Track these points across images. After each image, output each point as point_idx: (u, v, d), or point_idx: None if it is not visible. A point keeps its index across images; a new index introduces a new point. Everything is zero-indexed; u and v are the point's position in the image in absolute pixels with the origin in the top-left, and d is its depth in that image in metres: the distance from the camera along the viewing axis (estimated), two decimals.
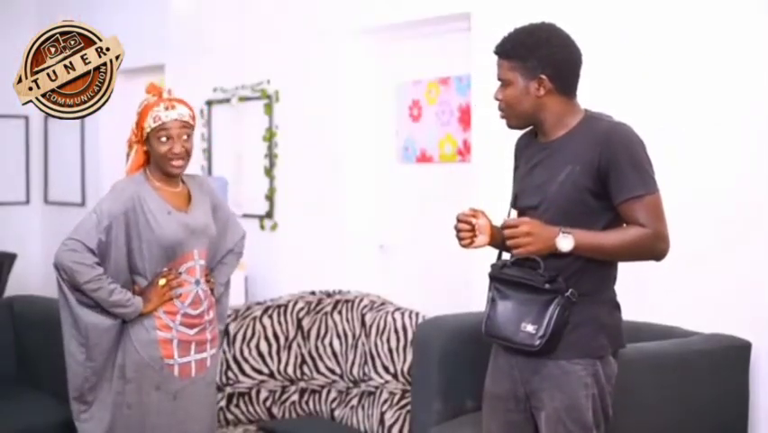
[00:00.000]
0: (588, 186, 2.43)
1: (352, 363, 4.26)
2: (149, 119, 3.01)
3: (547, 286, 2.43)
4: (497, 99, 2.58)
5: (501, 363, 2.60)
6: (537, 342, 2.42)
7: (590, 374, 2.45)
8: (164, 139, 2.99)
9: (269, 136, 5.24)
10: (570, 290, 2.42)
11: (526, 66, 2.49)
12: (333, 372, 4.34)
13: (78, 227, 2.99)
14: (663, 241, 2.46)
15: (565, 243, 2.40)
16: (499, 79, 2.55)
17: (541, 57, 2.48)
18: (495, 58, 2.58)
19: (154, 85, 3.09)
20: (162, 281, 3.01)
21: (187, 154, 3.04)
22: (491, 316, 2.55)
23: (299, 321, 4.39)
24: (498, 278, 2.55)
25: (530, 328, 2.43)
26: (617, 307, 2.56)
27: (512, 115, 2.55)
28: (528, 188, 2.56)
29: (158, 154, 3.01)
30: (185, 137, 3.03)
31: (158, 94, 3.05)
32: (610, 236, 2.44)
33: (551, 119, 2.52)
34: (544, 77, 2.48)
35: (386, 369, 4.09)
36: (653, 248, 2.46)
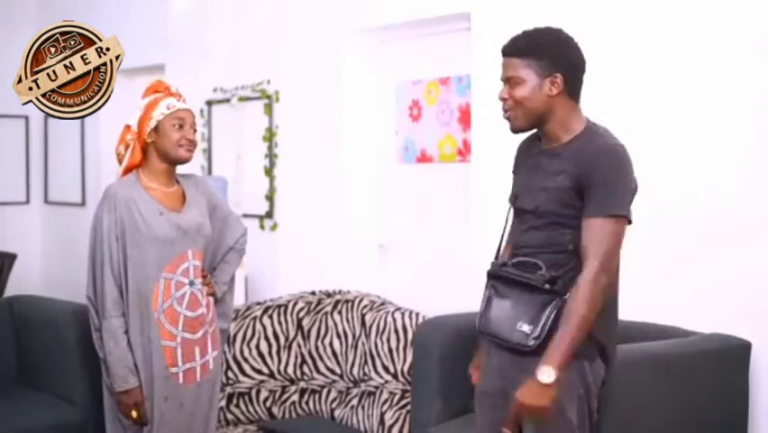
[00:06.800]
0: (573, 200, 2.44)
1: (352, 364, 4.26)
2: (160, 108, 3.04)
3: (547, 286, 2.42)
4: (503, 99, 2.54)
5: (492, 360, 2.62)
6: (532, 342, 2.42)
7: (578, 374, 2.44)
8: (178, 125, 3.04)
9: (269, 136, 5.24)
10: (567, 294, 2.41)
11: (541, 64, 2.47)
12: (333, 372, 4.34)
13: (92, 277, 3.06)
14: (602, 273, 2.35)
15: (547, 375, 2.33)
16: (507, 78, 2.52)
17: (556, 56, 2.48)
18: (500, 58, 2.56)
19: (161, 81, 3.17)
20: (134, 414, 3.03)
21: (195, 145, 3.10)
22: (486, 313, 2.56)
23: (299, 321, 4.39)
24: (498, 276, 2.55)
25: (525, 328, 2.44)
26: (609, 307, 2.51)
27: (521, 114, 2.51)
28: (526, 191, 2.57)
29: (170, 142, 3.04)
30: (195, 128, 3.10)
31: (165, 89, 3.09)
32: (567, 331, 2.34)
33: (556, 122, 2.50)
34: (558, 75, 2.47)
35: (386, 369, 4.09)
36: (598, 291, 2.35)
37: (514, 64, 2.50)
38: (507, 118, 2.55)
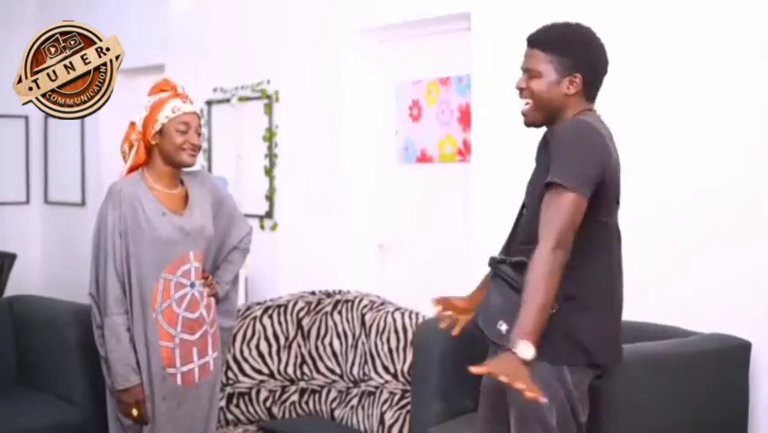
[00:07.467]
0: None
1: (352, 363, 4.26)
2: (165, 110, 3.02)
3: None
4: (519, 88, 2.51)
5: (492, 356, 2.62)
6: (506, 342, 2.41)
7: (556, 378, 2.43)
8: (183, 129, 3.02)
9: (269, 136, 5.24)
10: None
11: (563, 61, 2.45)
12: (333, 372, 4.34)
13: (95, 274, 3.05)
14: (553, 247, 2.27)
15: (526, 350, 2.24)
16: (527, 69, 2.50)
17: (580, 56, 2.46)
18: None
19: (167, 80, 3.13)
20: (135, 412, 3.02)
21: (199, 149, 3.09)
22: (483, 306, 2.56)
23: (299, 321, 4.39)
24: (494, 273, 2.56)
25: (503, 328, 2.42)
26: (599, 307, 2.48)
27: (536, 107, 2.49)
28: (528, 188, 2.59)
29: (173, 145, 3.02)
30: (199, 132, 3.09)
31: (172, 89, 3.07)
32: (530, 300, 2.27)
33: (565, 120, 2.48)
34: (578, 75, 2.46)
35: (386, 369, 4.09)
36: (552, 263, 2.27)
37: (536, 56, 2.48)
38: (522, 113, 2.53)
